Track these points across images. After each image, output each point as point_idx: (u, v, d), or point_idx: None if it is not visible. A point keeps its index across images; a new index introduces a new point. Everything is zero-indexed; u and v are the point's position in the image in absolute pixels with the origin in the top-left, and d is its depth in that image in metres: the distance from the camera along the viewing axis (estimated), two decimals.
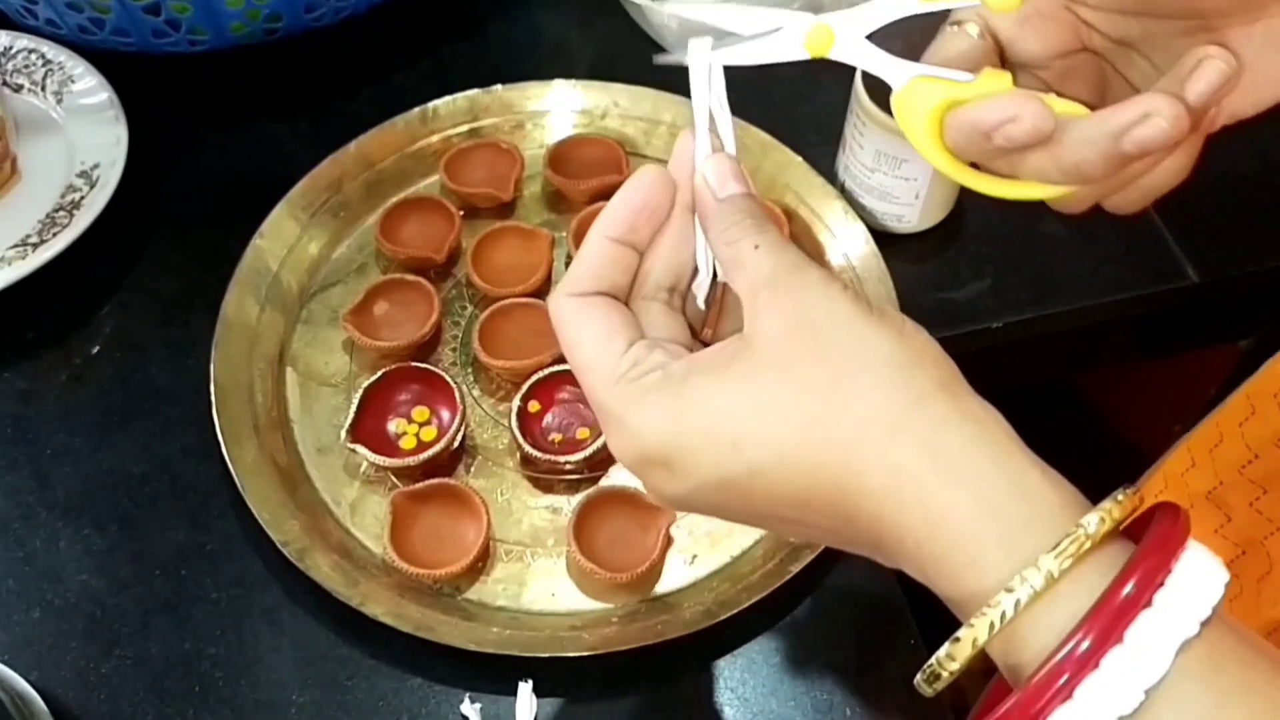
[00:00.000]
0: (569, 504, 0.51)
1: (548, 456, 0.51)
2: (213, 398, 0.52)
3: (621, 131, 0.64)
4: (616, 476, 0.53)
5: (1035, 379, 0.69)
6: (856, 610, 0.50)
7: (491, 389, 0.56)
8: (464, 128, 0.64)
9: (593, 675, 0.47)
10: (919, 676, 0.28)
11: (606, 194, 0.61)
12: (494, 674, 0.47)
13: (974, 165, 0.34)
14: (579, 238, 0.59)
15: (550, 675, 0.47)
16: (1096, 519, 0.26)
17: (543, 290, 0.59)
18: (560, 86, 0.65)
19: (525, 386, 0.53)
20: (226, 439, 0.51)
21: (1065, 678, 0.25)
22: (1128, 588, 0.25)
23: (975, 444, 0.28)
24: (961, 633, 0.27)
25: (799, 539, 0.33)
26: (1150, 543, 0.26)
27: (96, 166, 0.61)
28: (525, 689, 0.46)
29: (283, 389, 0.55)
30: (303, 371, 0.56)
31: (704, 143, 0.33)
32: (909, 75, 0.33)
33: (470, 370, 0.56)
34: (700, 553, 0.51)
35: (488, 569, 0.50)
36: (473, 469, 0.53)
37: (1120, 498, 0.27)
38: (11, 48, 0.66)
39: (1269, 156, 0.66)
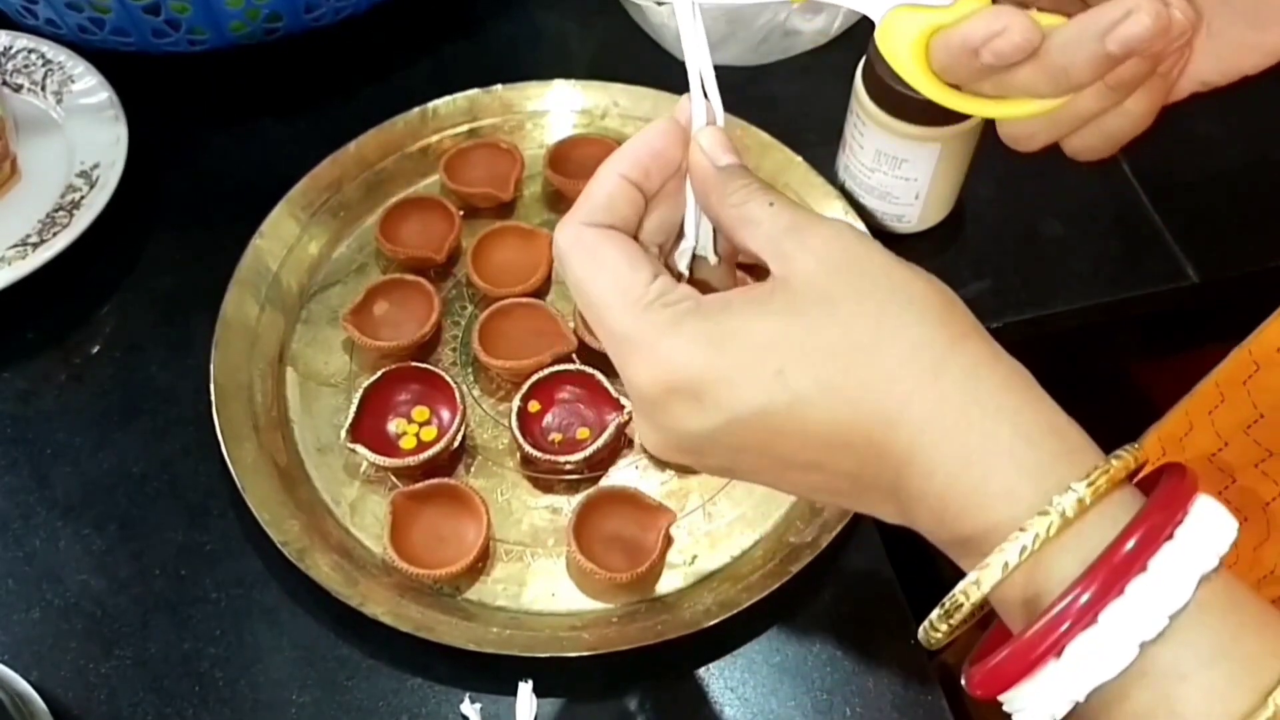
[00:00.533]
0: (569, 504, 0.51)
1: (548, 456, 0.51)
2: (212, 397, 0.52)
3: (621, 131, 0.64)
4: (616, 476, 0.53)
5: (1033, 376, 0.69)
6: (856, 610, 0.50)
7: (491, 389, 0.56)
8: (464, 127, 0.64)
9: (593, 675, 0.47)
10: (935, 613, 0.28)
11: None
12: (494, 674, 0.47)
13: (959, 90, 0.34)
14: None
15: (550, 675, 0.47)
16: (1119, 458, 0.27)
17: (543, 290, 0.59)
18: (560, 86, 0.65)
19: (525, 386, 0.53)
20: (226, 439, 0.51)
21: (1089, 599, 0.25)
22: (1149, 523, 0.26)
23: (1010, 382, 0.29)
24: (991, 557, 0.27)
25: (807, 492, 0.32)
26: (1165, 488, 0.27)
27: (96, 166, 0.61)
28: (525, 689, 0.46)
29: (282, 389, 0.55)
30: (303, 371, 0.56)
31: (700, 108, 0.33)
32: (889, 7, 0.33)
33: (470, 370, 0.56)
34: (700, 553, 0.51)
35: (488, 569, 0.50)
36: (473, 469, 0.53)
37: (1130, 450, 0.28)
38: (11, 47, 0.65)
39: (1269, 156, 0.66)
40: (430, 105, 0.63)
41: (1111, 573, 0.26)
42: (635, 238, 0.33)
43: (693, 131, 0.33)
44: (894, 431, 0.28)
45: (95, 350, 0.57)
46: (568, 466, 0.52)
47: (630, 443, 0.54)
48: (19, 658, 0.48)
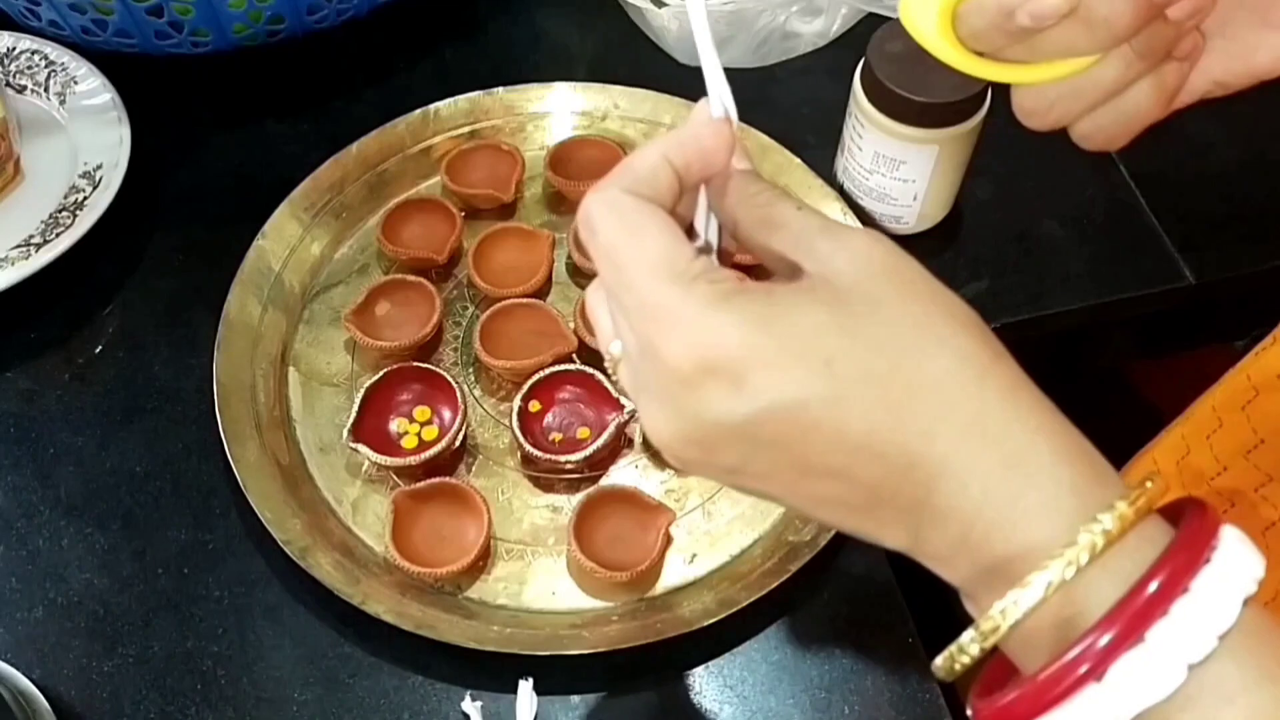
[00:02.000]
0: (569, 503, 0.52)
1: (548, 456, 0.51)
2: (215, 397, 0.52)
3: (622, 133, 0.65)
4: (616, 476, 0.53)
5: (1032, 379, 0.69)
6: (855, 609, 0.50)
7: (492, 389, 0.56)
8: (465, 129, 0.64)
9: (593, 673, 0.47)
10: (967, 636, 0.27)
11: None
12: (494, 672, 0.47)
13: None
14: (580, 239, 0.59)
15: (550, 673, 0.47)
16: (1154, 482, 0.27)
17: (543, 291, 0.59)
18: (561, 89, 0.65)
19: (526, 386, 0.53)
20: (229, 438, 0.51)
21: (1132, 620, 0.25)
22: (1187, 548, 0.25)
23: (1044, 405, 0.28)
24: (1033, 576, 0.26)
25: (815, 505, 0.30)
26: (1194, 517, 0.27)
27: (99, 167, 0.61)
28: (525, 687, 0.47)
29: (285, 388, 0.56)
30: (305, 371, 0.56)
31: (718, 105, 0.33)
32: None
33: (471, 370, 0.57)
34: (700, 552, 0.51)
35: (488, 568, 0.51)
36: (474, 468, 0.54)
37: (1156, 480, 0.28)
38: (15, 49, 0.66)
39: (1266, 158, 0.66)
40: (432, 107, 0.64)
41: (1157, 594, 0.25)
42: None
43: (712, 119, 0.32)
44: (929, 444, 0.27)
45: (98, 350, 0.58)
46: (568, 466, 0.52)
47: (630, 442, 0.54)
48: (22, 656, 0.48)
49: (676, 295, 0.28)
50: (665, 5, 0.67)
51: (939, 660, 0.28)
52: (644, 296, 0.29)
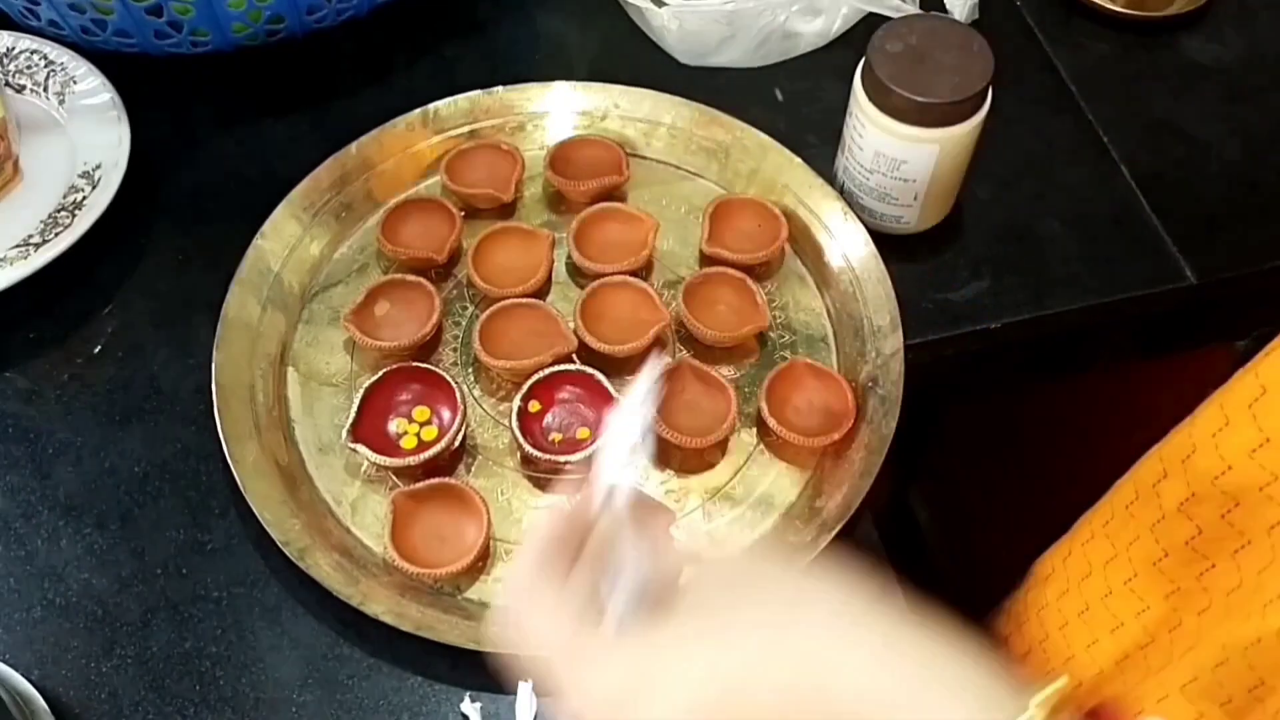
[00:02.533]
0: (569, 504, 0.52)
1: (548, 456, 0.51)
2: (214, 397, 0.52)
3: (621, 133, 0.64)
4: None
5: (1033, 380, 0.69)
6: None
7: (492, 389, 0.56)
8: (465, 129, 0.64)
9: None
10: None
11: (606, 195, 0.62)
12: (494, 673, 0.47)
13: None
14: (579, 239, 0.59)
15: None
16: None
17: (543, 290, 0.59)
18: (561, 88, 0.65)
19: (525, 386, 0.53)
20: (228, 438, 0.51)
21: None
22: None
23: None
24: None
25: None
26: None
27: (98, 167, 0.61)
28: (525, 688, 0.47)
29: (284, 389, 0.56)
30: (304, 371, 0.56)
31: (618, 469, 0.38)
32: None
33: (471, 370, 0.57)
34: (700, 552, 0.51)
35: (488, 568, 0.50)
36: (473, 469, 0.53)
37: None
38: (14, 49, 0.66)
39: (1266, 158, 0.66)
40: (431, 107, 0.63)
41: None
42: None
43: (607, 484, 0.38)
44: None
45: (97, 350, 0.57)
46: (568, 466, 0.52)
47: None
48: (20, 656, 0.48)
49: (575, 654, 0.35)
50: (665, 4, 0.67)
51: None
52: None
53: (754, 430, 0.55)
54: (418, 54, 0.70)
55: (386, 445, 0.52)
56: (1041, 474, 0.70)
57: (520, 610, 0.36)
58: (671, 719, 0.32)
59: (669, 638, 0.33)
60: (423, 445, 0.52)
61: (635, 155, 0.64)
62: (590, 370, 0.54)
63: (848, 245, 0.59)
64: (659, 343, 0.56)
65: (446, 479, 0.51)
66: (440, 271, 0.59)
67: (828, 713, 0.30)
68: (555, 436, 0.53)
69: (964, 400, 0.72)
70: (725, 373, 0.55)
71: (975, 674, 0.28)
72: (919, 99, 0.54)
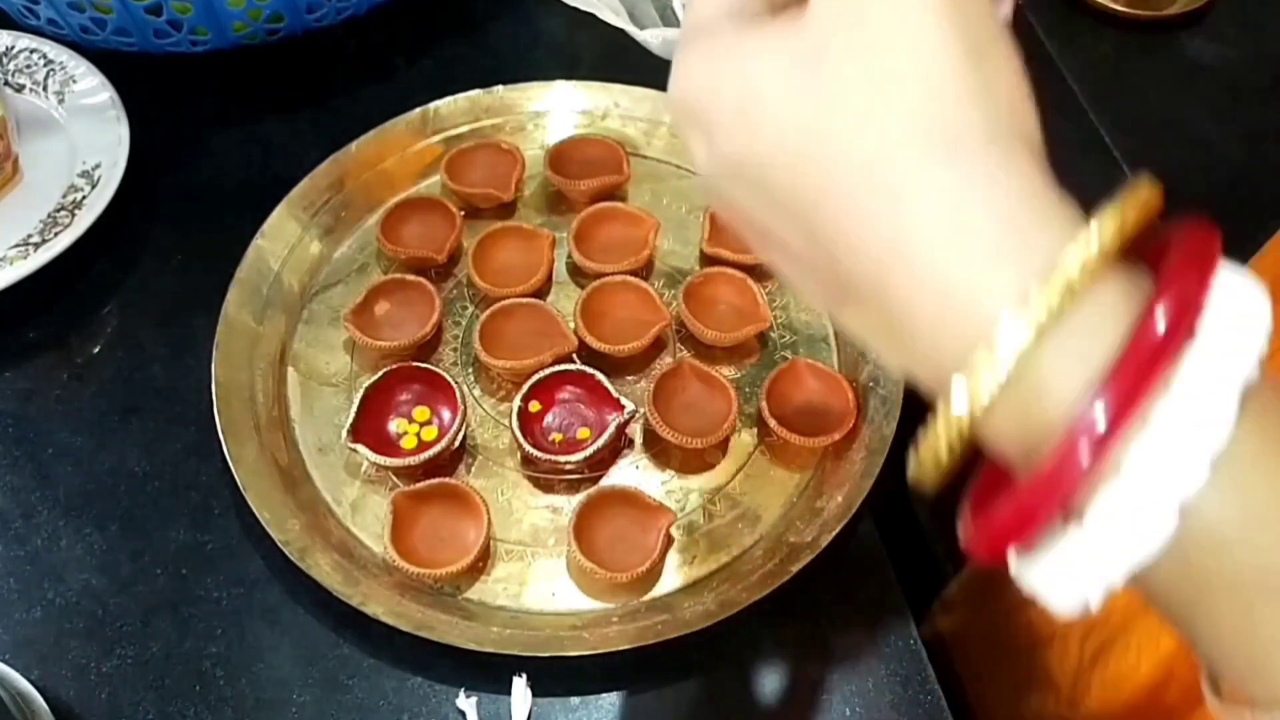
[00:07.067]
0: (569, 504, 0.52)
1: (548, 456, 0.51)
2: (214, 397, 0.52)
3: (622, 132, 0.64)
4: (617, 476, 0.53)
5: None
6: (855, 610, 0.50)
7: (492, 389, 0.56)
8: (465, 128, 0.64)
9: (593, 675, 0.47)
10: (941, 429, 0.23)
11: (607, 194, 0.61)
12: (494, 674, 0.47)
13: None
14: (580, 238, 0.59)
15: (550, 675, 0.47)
16: (1110, 219, 0.22)
17: (543, 290, 0.59)
18: (561, 87, 0.65)
19: (526, 386, 0.53)
20: (228, 438, 0.51)
21: (1100, 434, 0.20)
22: (1159, 319, 0.21)
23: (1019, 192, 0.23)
24: (955, 388, 0.22)
25: (823, 286, 0.27)
26: (1179, 256, 0.22)
27: (98, 166, 0.61)
28: (520, 683, 0.47)
29: (284, 389, 0.56)
30: (304, 371, 0.56)
31: None
32: None
33: (471, 370, 0.56)
34: (700, 553, 0.51)
35: (488, 569, 0.50)
36: (473, 469, 0.53)
37: (1118, 208, 0.23)
38: (13, 48, 0.66)
39: (1270, 157, 0.66)
40: (431, 106, 0.63)
41: (1123, 395, 0.20)
42: None
43: None
44: (868, 229, 0.24)
45: (97, 350, 0.57)
46: (568, 466, 0.52)
47: (630, 443, 0.54)
48: (20, 657, 0.48)
49: (689, 34, 0.27)
50: (644, 29, 0.67)
51: (913, 466, 0.24)
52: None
53: (754, 430, 0.54)
54: (417, 53, 0.70)
55: (386, 445, 0.52)
56: None
57: None
58: (714, 160, 0.26)
59: (744, 69, 0.25)
60: (423, 445, 0.52)
61: (636, 154, 0.64)
62: (590, 370, 0.54)
63: None
64: (659, 343, 0.56)
65: (446, 479, 0.51)
66: (440, 271, 0.59)
67: (855, 237, 0.24)
68: (555, 436, 0.53)
69: None
70: (726, 373, 0.55)
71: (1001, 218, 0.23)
72: None
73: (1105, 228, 0.22)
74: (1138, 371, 0.20)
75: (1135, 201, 0.23)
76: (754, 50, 0.26)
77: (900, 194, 0.23)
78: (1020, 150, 0.24)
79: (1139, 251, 0.23)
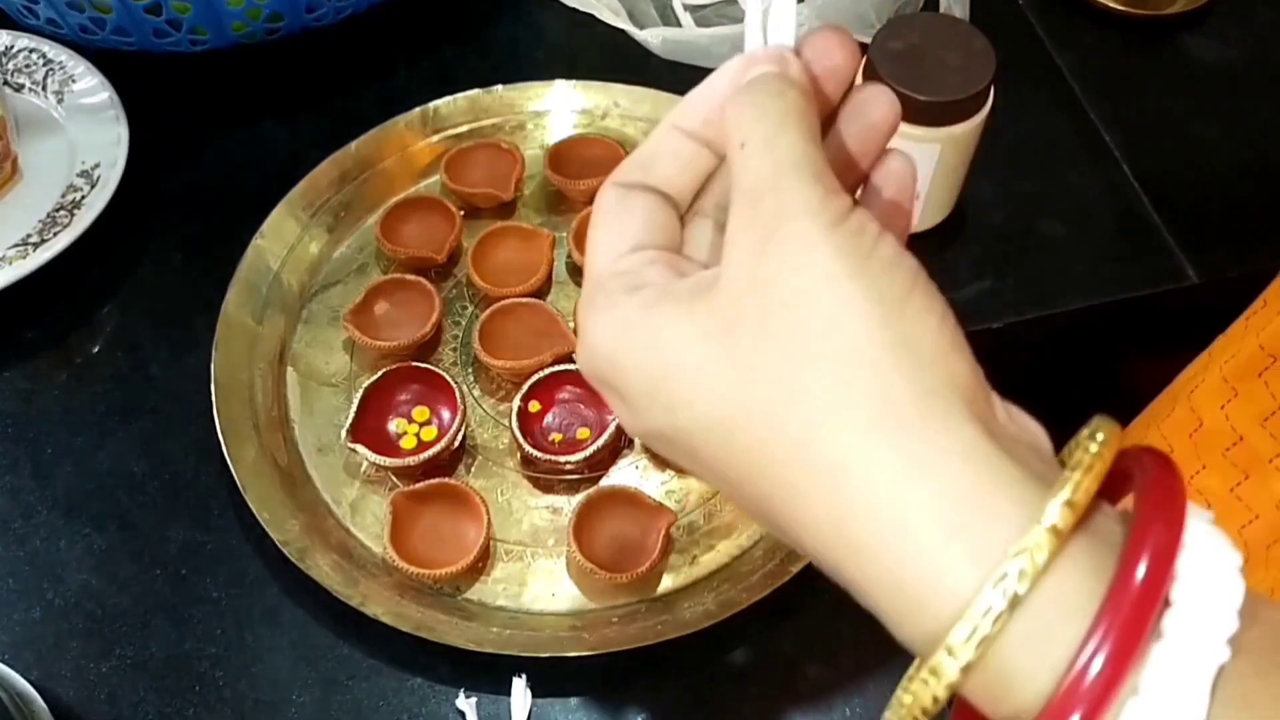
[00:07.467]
0: (569, 504, 0.51)
1: (548, 456, 0.51)
2: (213, 397, 0.52)
3: (622, 132, 0.64)
4: (616, 476, 0.53)
5: (1035, 380, 0.69)
6: (857, 611, 0.50)
7: (492, 389, 0.56)
8: (464, 127, 0.64)
9: (593, 675, 0.47)
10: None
11: None
12: (494, 674, 0.47)
13: None
14: (580, 238, 0.59)
15: (550, 675, 0.47)
16: (1058, 507, 0.21)
17: (543, 290, 0.59)
18: (561, 87, 0.65)
19: (525, 386, 0.53)
20: (227, 438, 0.51)
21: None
22: (1129, 599, 0.20)
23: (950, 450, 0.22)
24: (959, 623, 0.21)
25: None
26: (1144, 517, 0.21)
27: (97, 166, 0.61)
28: (519, 684, 0.46)
29: (283, 389, 0.55)
30: (303, 371, 0.56)
31: (755, 34, 0.28)
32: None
33: (471, 370, 0.56)
34: (700, 553, 0.51)
35: (488, 569, 0.50)
36: (473, 469, 0.53)
37: (1090, 450, 0.22)
38: (12, 47, 0.66)
39: (1269, 158, 0.66)
40: (431, 105, 0.63)
41: (1098, 692, 0.19)
42: (688, 208, 0.29)
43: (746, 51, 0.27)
44: (805, 513, 0.23)
45: (96, 350, 0.57)
46: (568, 466, 0.52)
47: (630, 443, 0.54)
48: (19, 657, 0.48)
49: (588, 295, 0.27)
50: (644, 29, 0.67)
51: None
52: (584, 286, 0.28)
53: None
54: (417, 52, 0.69)
55: (386, 445, 0.52)
56: None
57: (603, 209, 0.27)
58: (639, 427, 0.26)
59: (658, 336, 0.24)
60: (422, 445, 0.52)
61: None
62: None
63: None
64: None
65: (446, 479, 0.51)
66: (440, 271, 0.59)
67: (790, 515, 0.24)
68: (555, 436, 0.53)
69: None
70: None
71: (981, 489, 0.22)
72: (921, 97, 0.53)
73: (1059, 509, 0.21)
74: (1113, 663, 0.20)
75: (1094, 463, 0.22)
76: (663, 320, 0.25)
77: (836, 475, 0.23)
78: (955, 402, 0.23)
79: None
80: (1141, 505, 0.22)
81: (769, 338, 0.23)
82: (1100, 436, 0.22)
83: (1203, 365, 0.45)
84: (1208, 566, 0.21)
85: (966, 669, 0.21)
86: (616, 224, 0.27)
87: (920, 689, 0.22)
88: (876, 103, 0.28)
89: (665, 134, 0.28)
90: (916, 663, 0.23)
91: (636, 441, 0.54)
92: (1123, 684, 0.20)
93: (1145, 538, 0.21)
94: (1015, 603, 0.20)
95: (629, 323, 0.25)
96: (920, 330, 0.23)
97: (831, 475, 0.23)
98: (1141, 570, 0.20)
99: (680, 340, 0.24)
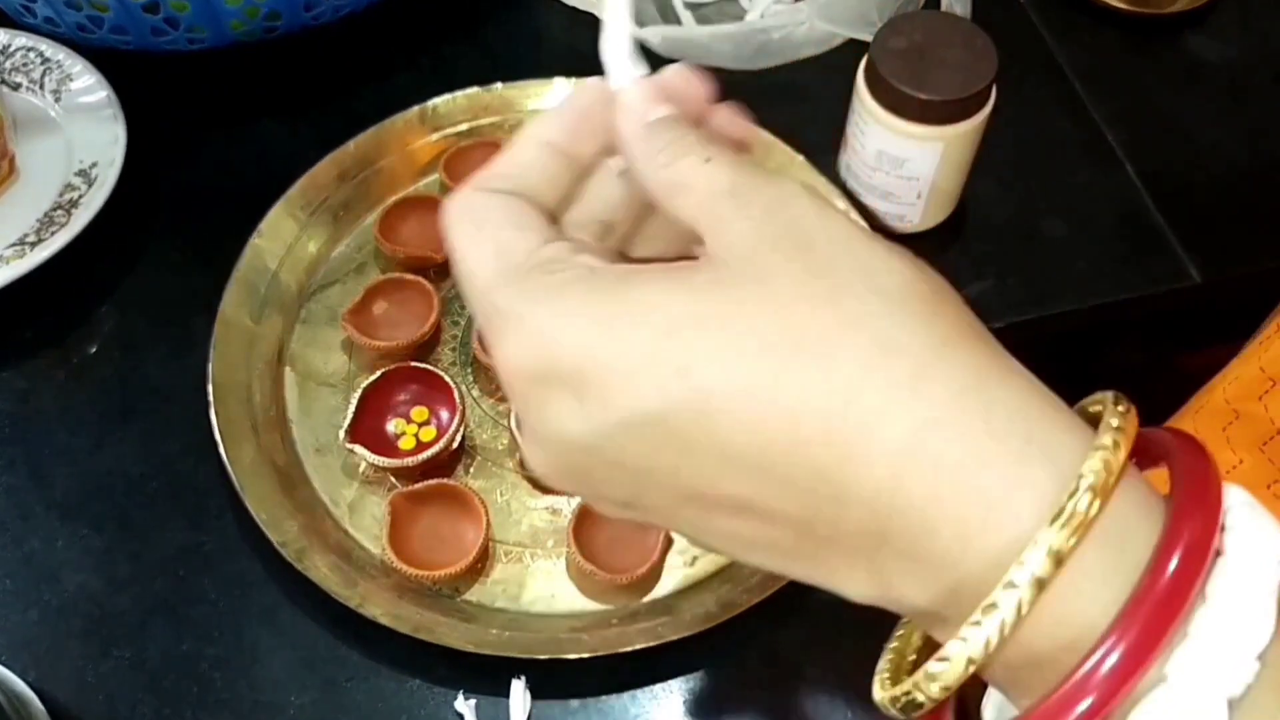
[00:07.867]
0: (569, 505, 0.51)
1: None
2: (211, 397, 0.52)
3: None
4: None
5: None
6: (858, 612, 0.50)
7: (491, 389, 0.56)
8: (464, 126, 0.64)
9: (593, 677, 0.47)
10: (907, 685, 0.23)
11: None
12: (493, 676, 0.47)
13: None
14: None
15: (550, 677, 0.47)
16: (1096, 467, 0.21)
17: None
18: (560, 85, 0.65)
19: None
20: (225, 439, 0.51)
21: (1132, 646, 0.20)
22: (1188, 534, 0.20)
23: (1023, 397, 0.23)
24: (983, 613, 0.21)
25: (741, 550, 0.24)
26: (1190, 480, 0.21)
27: (95, 165, 0.60)
28: (518, 685, 0.46)
29: (281, 389, 0.55)
30: (301, 371, 0.56)
31: (619, 60, 0.28)
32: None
33: (470, 370, 0.56)
34: (700, 554, 0.51)
35: (487, 570, 0.50)
36: (472, 469, 0.53)
37: (1115, 420, 0.22)
38: (10, 46, 0.65)
39: (1272, 157, 0.66)
40: (430, 104, 0.63)
41: (1159, 608, 0.19)
42: (557, 218, 0.27)
43: (613, 87, 0.27)
44: (856, 466, 0.21)
45: (93, 350, 0.57)
46: None
47: None
48: (17, 658, 0.48)
49: (507, 295, 0.23)
50: (645, 27, 0.67)
51: (880, 693, 0.24)
52: (478, 302, 0.24)
53: None
54: (416, 51, 0.69)
55: (384, 446, 0.52)
56: None
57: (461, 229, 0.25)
58: (594, 427, 0.22)
59: (645, 303, 0.22)
60: (421, 446, 0.51)
61: None
62: None
63: None
64: None
65: (445, 480, 0.51)
66: (439, 270, 0.59)
67: (830, 498, 0.22)
68: None
69: None
70: None
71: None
72: (922, 96, 0.53)
73: (1110, 435, 0.22)
74: (1157, 614, 0.20)
75: (1122, 402, 0.23)
76: (650, 288, 0.23)
77: (902, 393, 0.22)
78: (991, 351, 0.24)
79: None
80: (1185, 453, 0.23)
81: (812, 280, 0.22)
82: (1121, 407, 0.23)
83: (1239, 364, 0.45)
84: (1253, 510, 0.21)
85: (1058, 557, 0.20)
86: (503, 219, 0.25)
87: (1003, 602, 0.21)
88: (733, 126, 0.29)
89: (526, 145, 0.27)
90: (980, 605, 0.22)
91: None
92: (1192, 600, 0.20)
93: (1195, 467, 0.22)
94: (1085, 526, 0.20)
95: (607, 297, 0.23)
96: (941, 281, 0.25)
97: (912, 428, 0.21)
98: (1186, 550, 0.20)
99: (691, 302, 0.22)
